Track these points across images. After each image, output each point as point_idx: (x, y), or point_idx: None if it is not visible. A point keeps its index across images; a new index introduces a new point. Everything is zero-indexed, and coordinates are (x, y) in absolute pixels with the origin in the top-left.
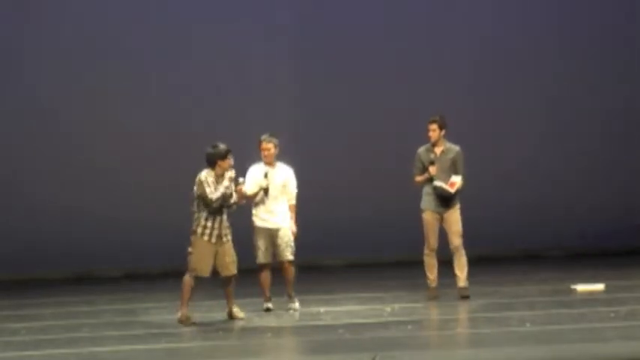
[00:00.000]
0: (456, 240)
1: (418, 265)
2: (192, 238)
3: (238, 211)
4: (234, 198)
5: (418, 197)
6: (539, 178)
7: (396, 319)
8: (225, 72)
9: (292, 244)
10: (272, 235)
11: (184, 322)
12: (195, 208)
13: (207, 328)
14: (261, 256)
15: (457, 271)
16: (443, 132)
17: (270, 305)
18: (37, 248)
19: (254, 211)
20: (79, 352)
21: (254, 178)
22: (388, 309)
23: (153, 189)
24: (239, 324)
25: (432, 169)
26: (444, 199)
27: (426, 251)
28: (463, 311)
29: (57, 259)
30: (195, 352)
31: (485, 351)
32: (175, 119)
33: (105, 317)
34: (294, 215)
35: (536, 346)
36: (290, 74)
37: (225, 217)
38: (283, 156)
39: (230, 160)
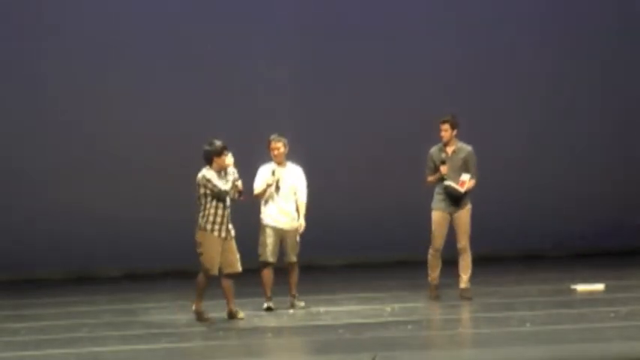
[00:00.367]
0: (464, 240)
1: (418, 265)
2: (200, 237)
3: (239, 211)
4: (231, 194)
5: (418, 197)
6: (539, 178)
7: (396, 319)
8: (225, 72)
9: (298, 245)
10: (282, 235)
11: (200, 318)
12: (202, 206)
13: (207, 328)
14: (268, 255)
15: (461, 272)
16: (455, 132)
17: (270, 305)
18: (37, 248)
19: (263, 209)
20: (79, 352)
21: (263, 177)
22: (388, 309)
23: (153, 189)
24: (239, 324)
25: (444, 169)
26: (455, 199)
27: (431, 251)
28: (463, 311)
29: (57, 259)
30: (195, 352)
31: (485, 351)
32: (175, 119)
33: (105, 317)
34: (304, 212)
35: (536, 346)
36: (290, 74)
37: (229, 211)
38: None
39: (226, 157)
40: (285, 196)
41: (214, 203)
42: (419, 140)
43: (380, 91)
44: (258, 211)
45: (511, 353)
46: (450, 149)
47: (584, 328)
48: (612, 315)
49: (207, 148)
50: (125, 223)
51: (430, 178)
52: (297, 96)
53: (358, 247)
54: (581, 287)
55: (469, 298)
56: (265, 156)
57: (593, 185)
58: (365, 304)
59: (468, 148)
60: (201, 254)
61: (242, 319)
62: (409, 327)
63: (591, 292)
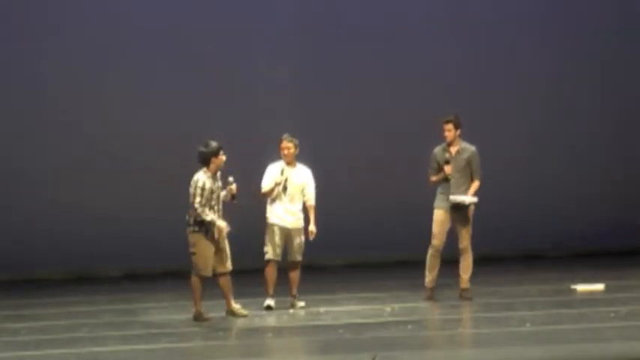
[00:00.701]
0: (465, 240)
1: (418, 265)
2: (194, 237)
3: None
4: (222, 196)
5: (418, 197)
6: (539, 178)
7: (396, 319)
8: (225, 72)
9: (303, 245)
10: (287, 234)
11: (199, 319)
12: (197, 206)
13: (207, 328)
14: (273, 253)
15: (461, 272)
16: (458, 131)
17: (271, 303)
18: (37, 248)
19: (270, 208)
20: (79, 352)
21: (272, 176)
22: (388, 309)
23: (153, 189)
24: (239, 324)
25: (447, 169)
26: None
27: (430, 250)
28: (463, 311)
29: (57, 259)
30: (195, 352)
31: (485, 351)
32: (175, 119)
33: (105, 317)
34: (314, 215)
35: (536, 346)
36: (290, 74)
37: (221, 213)
38: None
39: (223, 157)
40: (292, 197)
41: (207, 204)
42: (419, 140)
43: (380, 91)
44: (264, 211)
45: (511, 353)
46: (453, 149)
47: (584, 328)
48: (612, 315)
49: (203, 149)
50: (125, 223)
51: (434, 178)
52: (297, 96)
53: (358, 247)
54: (581, 287)
55: (469, 298)
56: (265, 156)
57: (593, 185)
58: (365, 304)
59: (472, 148)
60: (194, 254)
61: (246, 315)
62: (409, 327)
63: (591, 292)
